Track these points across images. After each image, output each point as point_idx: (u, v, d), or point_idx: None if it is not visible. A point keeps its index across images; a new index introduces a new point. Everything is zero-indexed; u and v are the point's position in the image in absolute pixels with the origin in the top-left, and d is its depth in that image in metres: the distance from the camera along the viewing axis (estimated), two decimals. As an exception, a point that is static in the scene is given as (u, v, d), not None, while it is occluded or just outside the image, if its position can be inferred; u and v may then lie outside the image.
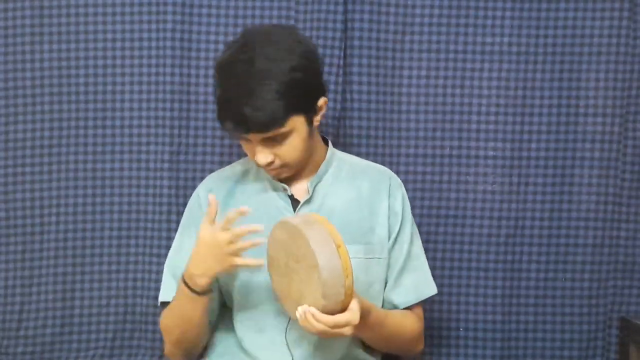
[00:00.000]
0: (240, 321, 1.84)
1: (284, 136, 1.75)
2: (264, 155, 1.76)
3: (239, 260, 1.69)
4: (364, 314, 1.67)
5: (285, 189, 1.85)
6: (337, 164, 1.91)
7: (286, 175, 1.83)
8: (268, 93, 1.69)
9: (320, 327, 1.61)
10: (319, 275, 1.57)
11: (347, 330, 1.63)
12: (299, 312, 1.62)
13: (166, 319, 1.86)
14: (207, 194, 1.88)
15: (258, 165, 1.79)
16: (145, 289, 2.17)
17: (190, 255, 1.74)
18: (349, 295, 1.62)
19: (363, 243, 1.84)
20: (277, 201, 1.85)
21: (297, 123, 1.75)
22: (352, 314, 1.62)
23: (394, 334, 1.83)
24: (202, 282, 1.72)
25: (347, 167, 1.92)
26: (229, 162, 2.04)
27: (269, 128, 1.71)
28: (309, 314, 1.61)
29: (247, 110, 1.69)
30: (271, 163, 1.77)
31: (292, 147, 1.77)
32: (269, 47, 1.72)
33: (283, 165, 1.79)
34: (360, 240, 1.84)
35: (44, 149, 2.16)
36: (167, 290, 1.87)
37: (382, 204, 1.88)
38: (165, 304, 1.86)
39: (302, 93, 1.74)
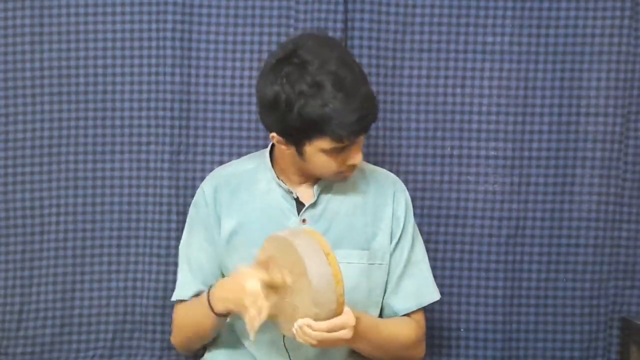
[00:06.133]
0: (241, 320, 1.84)
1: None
2: (360, 154, 1.79)
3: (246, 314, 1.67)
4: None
5: (291, 192, 1.85)
6: None
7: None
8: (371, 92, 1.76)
9: (317, 334, 1.60)
10: (309, 283, 1.56)
11: (346, 333, 1.62)
12: (295, 327, 1.61)
13: (180, 318, 1.89)
14: (212, 191, 1.88)
15: (338, 172, 1.79)
16: (145, 289, 2.17)
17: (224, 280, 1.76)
18: (341, 303, 1.61)
19: (366, 249, 1.84)
20: (282, 203, 1.85)
21: None
22: (347, 316, 1.62)
23: (388, 341, 1.82)
24: (219, 307, 1.75)
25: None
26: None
27: (373, 123, 1.77)
28: (304, 325, 1.60)
29: (368, 109, 1.72)
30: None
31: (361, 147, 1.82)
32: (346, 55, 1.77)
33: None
34: (364, 245, 1.84)
35: (43, 149, 2.16)
36: (184, 287, 1.89)
37: (386, 209, 1.88)
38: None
39: None
